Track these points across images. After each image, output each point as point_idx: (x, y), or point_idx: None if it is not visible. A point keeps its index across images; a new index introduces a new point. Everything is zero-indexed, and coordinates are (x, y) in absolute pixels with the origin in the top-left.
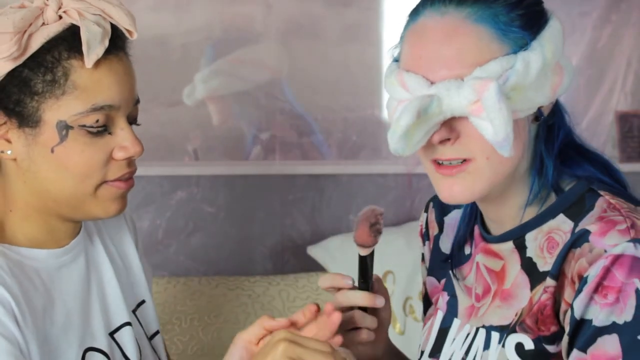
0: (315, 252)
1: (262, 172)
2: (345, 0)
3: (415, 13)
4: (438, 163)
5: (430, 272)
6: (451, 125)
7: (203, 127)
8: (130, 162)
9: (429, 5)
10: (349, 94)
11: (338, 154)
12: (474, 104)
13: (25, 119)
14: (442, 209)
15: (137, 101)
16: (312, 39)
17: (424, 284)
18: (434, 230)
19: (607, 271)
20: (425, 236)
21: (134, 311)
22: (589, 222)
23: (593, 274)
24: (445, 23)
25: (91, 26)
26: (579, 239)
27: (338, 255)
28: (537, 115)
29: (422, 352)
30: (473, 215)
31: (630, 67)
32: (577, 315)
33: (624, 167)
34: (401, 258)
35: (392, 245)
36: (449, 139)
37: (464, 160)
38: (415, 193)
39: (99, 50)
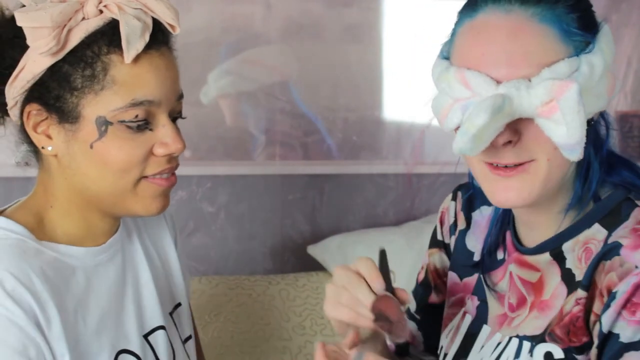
0: (315, 251)
1: (262, 172)
2: (345, 0)
3: (472, 9)
4: (492, 165)
5: (452, 267)
6: (515, 128)
7: (203, 127)
8: (171, 159)
9: (491, 2)
10: (349, 94)
11: (338, 154)
12: (546, 104)
13: (65, 115)
14: (470, 203)
15: (181, 96)
16: (312, 39)
17: (428, 270)
18: (461, 223)
19: (636, 288)
20: (452, 228)
21: (170, 313)
22: (622, 234)
23: (623, 289)
24: (511, 21)
25: (131, 20)
26: (610, 251)
27: (338, 255)
28: (589, 119)
29: (446, 355)
30: (506, 219)
31: (630, 67)
32: (605, 329)
33: None
34: (401, 258)
35: (392, 245)
36: (510, 141)
37: (521, 164)
38: (415, 193)
39: (139, 45)
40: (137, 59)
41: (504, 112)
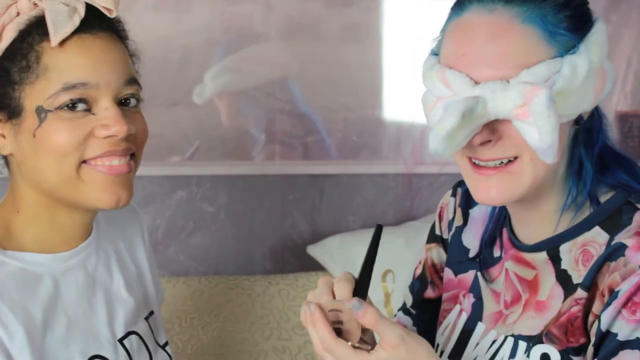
0: (315, 251)
1: (262, 172)
2: (345, 0)
3: (460, 7)
4: (475, 163)
5: (448, 263)
6: (493, 127)
7: (203, 127)
8: (116, 142)
9: (477, 0)
10: (349, 94)
11: (338, 154)
12: (520, 107)
13: (12, 111)
14: (468, 200)
15: (130, 80)
16: (312, 39)
17: (425, 264)
18: (458, 219)
19: (638, 288)
20: (450, 223)
21: (146, 318)
22: (625, 236)
23: (625, 288)
24: (493, 20)
25: (56, 6)
26: (615, 252)
27: (338, 255)
28: (577, 119)
29: (442, 352)
30: (502, 216)
31: (630, 67)
32: (604, 327)
33: None
34: (401, 257)
35: (392, 244)
36: (489, 141)
37: (504, 162)
38: (415, 193)
39: (67, 29)
40: (66, 43)
41: (476, 114)
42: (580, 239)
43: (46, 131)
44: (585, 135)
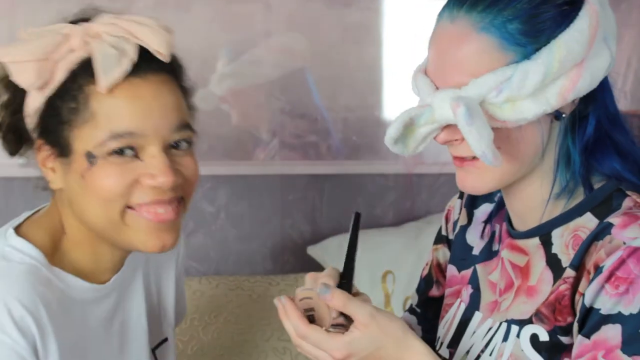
0: (315, 252)
1: (262, 172)
2: (345, 0)
3: (439, 15)
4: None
5: (452, 260)
6: (455, 128)
7: (203, 126)
8: (161, 192)
9: (446, 9)
10: (349, 94)
11: (338, 154)
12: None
13: (61, 148)
14: (473, 200)
15: (182, 126)
16: (312, 38)
17: (431, 265)
18: (462, 219)
19: (622, 262)
20: (455, 225)
21: (154, 349)
22: (613, 217)
23: (608, 264)
24: (453, 30)
25: (105, 49)
26: (602, 231)
27: (338, 256)
28: (556, 115)
29: (442, 344)
30: (501, 212)
31: (630, 67)
32: (587, 302)
33: None
34: (401, 258)
35: (392, 245)
36: (456, 140)
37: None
38: (415, 193)
39: (116, 74)
40: (115, 89)
41: (424, 121)
42: (572, 224)
43: (95, 175)
44: (577, 125)
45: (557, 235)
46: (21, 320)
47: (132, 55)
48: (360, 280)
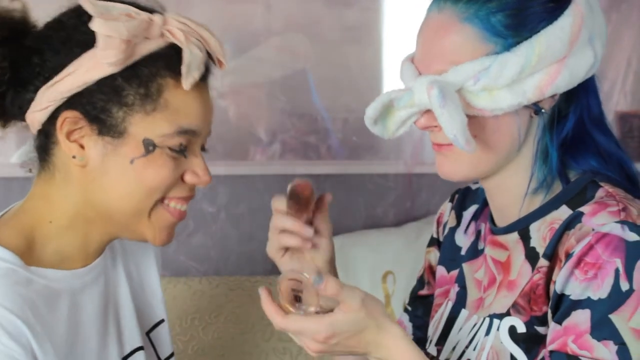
0: None
1: (262, 172)
2: (345, 0)
3: (430, 6)
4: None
5: (441, 261)
6: (434, 115)
7: None
8: (192, 188)
9: (436, 0)
10: (349, 94)
11: (338, 154)
12: None
13: (107, 128)
14: (463, 203)
15: (210, 131)
16: (312, 38)
17: (425, 267)
18: (451, 220)
19: (590, 248)
20: (444, 226)
21: (148, 333)
22: (584, 207)
23: (577, 250)
24: (439, 19)
25: (194, 49)
26: (573, 220)
27: (338, 256)
28: (536, 110)
29: (431, 342)
30: (485, 210)
31: (630, 67)
32: (558, 289)
33: None
34: (401, 259)
35: (393, 245)
36: (435, 126)
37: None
38: (415, 193)
39: (197, 74)
40: (190, 88)
41: (404, 104)
42: (548, 217)
43: (149, 163)
44: (556, 122)
45: (534, 229)
46: (9, 324)
47: (205, 60)
48: (360, 281)
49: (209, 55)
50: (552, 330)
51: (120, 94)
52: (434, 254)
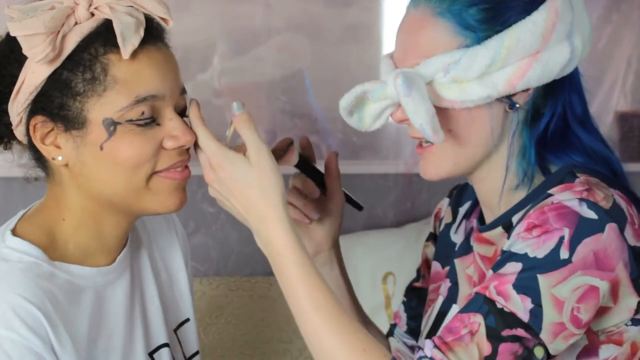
0: None
1: None
2: (345, 0)
3: (408, 3)
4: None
5: (436, 256)
6: None
7: None
8: (182, 152)
9: None
10: None
11: (338, 154)
12: None
13: (71, 122)
14: (459, 199)
15: (183, 90)
16: (312, 39)
17: (422, 261)
18: (447, 216)
19: (542, 213)
20: (440, 221)
21: (175, 330)
22: (553, 189)
23: (531, 213)
24: (414, 15)
25: (123, 17)
26: (541, 201)
27: None
28: (510, 105)
29: (422, 335)
30: (477, 207)
31: (630, 67)
32: (506, 247)
33: (624, 167)
34: (402, 259)
35: (393, 246)
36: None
37: (429, 143)
38: (415, 193)
39: (135, 40)
40: (134, 55)
41: (377, 96)
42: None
43: (117, 145)
44: (534, 119)
45: (516, 220)
46: (29, 316)
47: (144, 23)
48: (361, 282)
49: (149, 18)
50: (488, 277)
51: (70, 86)
52: (431, 249)
